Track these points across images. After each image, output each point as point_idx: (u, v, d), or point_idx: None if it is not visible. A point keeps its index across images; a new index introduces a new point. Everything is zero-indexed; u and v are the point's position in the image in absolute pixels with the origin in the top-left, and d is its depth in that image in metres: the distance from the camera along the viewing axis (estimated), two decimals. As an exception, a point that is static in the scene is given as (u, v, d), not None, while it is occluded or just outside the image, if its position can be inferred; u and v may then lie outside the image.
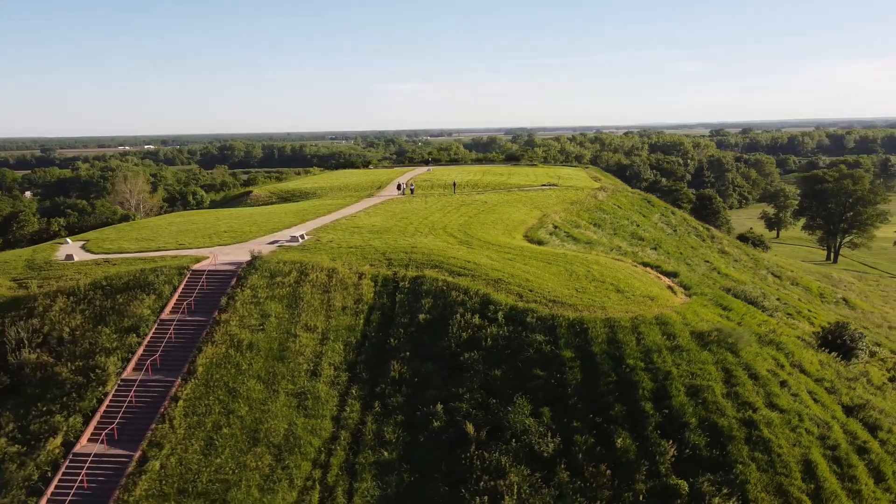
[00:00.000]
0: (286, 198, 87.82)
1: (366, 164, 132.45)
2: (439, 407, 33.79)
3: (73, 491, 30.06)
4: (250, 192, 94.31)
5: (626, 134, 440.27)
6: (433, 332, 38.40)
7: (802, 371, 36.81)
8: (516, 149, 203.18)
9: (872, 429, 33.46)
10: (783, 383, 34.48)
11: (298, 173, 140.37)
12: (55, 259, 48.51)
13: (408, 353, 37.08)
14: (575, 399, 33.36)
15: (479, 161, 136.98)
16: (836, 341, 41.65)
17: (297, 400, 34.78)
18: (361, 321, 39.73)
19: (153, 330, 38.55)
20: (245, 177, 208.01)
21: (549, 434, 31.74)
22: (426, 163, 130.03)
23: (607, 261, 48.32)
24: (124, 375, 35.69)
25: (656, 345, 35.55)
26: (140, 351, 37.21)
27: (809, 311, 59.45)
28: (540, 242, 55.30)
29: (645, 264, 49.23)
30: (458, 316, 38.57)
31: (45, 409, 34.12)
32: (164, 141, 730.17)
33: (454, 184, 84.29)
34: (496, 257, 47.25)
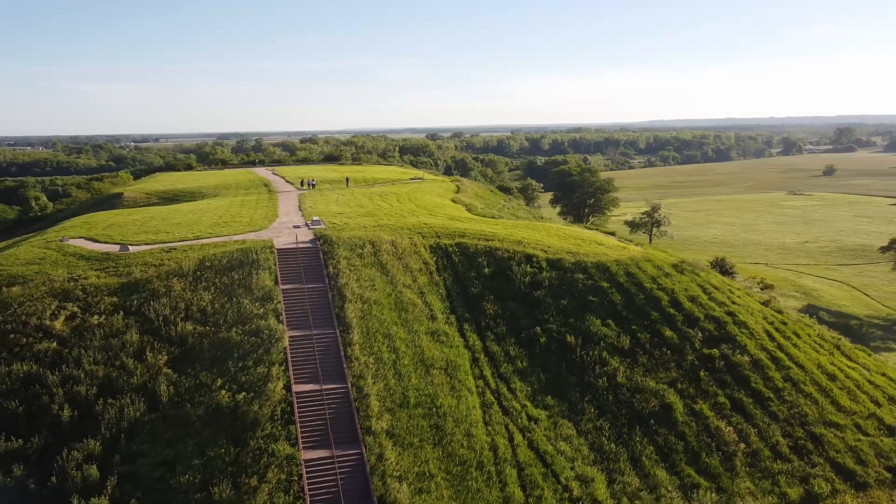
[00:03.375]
0: (171, 198, 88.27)
1: (188, 167, 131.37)
2: (538, 329, 46.27)
3: (318, 417, 36.99)
4: (121, 194, 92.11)
5: (371, 137, 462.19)
6: (499, 280, 50.30)
7: (725, 283, 55.95)
8: (332, 149, 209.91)
9: (780, 311, 53.45)
10: (731, 290, 53.12)
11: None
12: (111, 252, 49.88)
13: (491, 297, 48.63)
14: (624, 312, 48.23)
15: (303, 161, 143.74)
16: (723, 268, 62.02)
17: (433, 337, 44.54)
18: (440, 278, 50.05)
19: (283, 297, 44.77)
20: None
21: (620, 335, 46.19)
22: (253, 164, 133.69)
23: (563, 225, 63.83)
24: (289, 333, 42.07)
25: (656, 273, 51.93)
26: (285, 313, 43.49)
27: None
28: (491, 217, 68.82)
29: (587, 228, 65.66)
30: (514, 266, 50.98)
31: (240, 365, 39.36)
32: None
33: (347, 179, 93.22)
34: (493, 226, 59.95)
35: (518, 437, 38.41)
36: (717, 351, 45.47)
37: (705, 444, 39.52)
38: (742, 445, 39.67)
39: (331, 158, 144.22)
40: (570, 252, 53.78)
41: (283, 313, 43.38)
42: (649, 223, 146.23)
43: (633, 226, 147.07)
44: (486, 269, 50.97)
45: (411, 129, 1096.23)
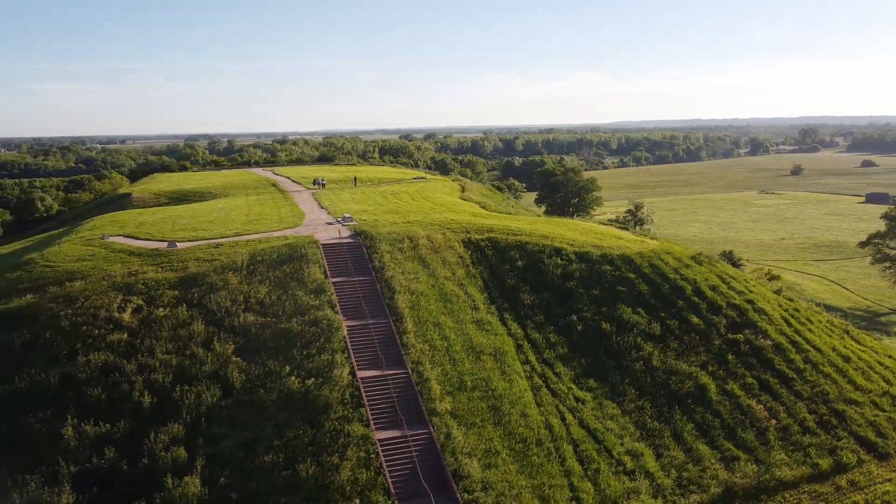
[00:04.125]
0: (180, 198, 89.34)
1: (183, 168, 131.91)
2: (574, 317, 49.03)
3: (384, 400, 39.21)
4: (129, 194, 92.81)
5: (350, 138, 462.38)
6: (532, 272, 52.96)
7: (739, 273, 59.33)
8: (325, 150, 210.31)
9: (791, 299, 56.95)
10: (746, 280, 56.48)
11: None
12: (160, 248, 51.36)
13: (527, 288, 51.27)
14: (652, 301, 51.23)
15: (297, 162, 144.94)
16: (732, 261, 65.42)
17: (478, 325, 47.01)
18: (475, 270, 52.53)
19: (335, 289, 46.84)
20: None
21: (651, 322, 49.16)
22: (248, 164, 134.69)
23: (579, 221, 66.76)
24: (346, 323, 44.18)
25: (677, 264, 55.07)
26: (339, 304, 45.58)
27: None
28: (507, 214, 71.48)
29: (602, 224, 68.71)
30: (545, 259, 53.69)
31: (305, 353, 41.33)
32: None
33: (354, 179, 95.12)
34: (516, 222, 62.57)
35: (569, 417, 41.07)
36: (741, 336, 48.68)
37: (739, 421, 42.60)
38: (773, 421, 42.83)
39: (324, 159, 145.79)
40: (595, 245, 56.65)
41: (337, 304, 45.44)
42: (632, 221, 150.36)
43: (617, 224, 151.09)
44: (519, 262, 53.60)
45: (382, 130, 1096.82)
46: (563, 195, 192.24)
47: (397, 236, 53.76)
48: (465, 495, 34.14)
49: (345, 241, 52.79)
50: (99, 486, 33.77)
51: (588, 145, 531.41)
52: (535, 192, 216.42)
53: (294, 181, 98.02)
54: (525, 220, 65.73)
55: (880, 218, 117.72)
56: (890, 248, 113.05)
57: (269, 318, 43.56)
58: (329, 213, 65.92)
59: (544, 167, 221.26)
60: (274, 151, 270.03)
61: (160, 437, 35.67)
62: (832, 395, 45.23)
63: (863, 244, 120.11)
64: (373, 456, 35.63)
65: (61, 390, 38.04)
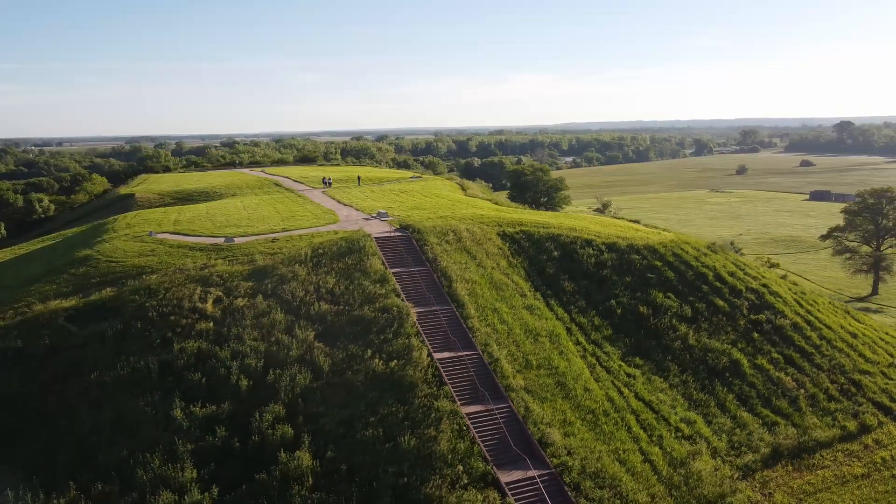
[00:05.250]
0: (185, 198, 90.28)
1: (166, 170, 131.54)
2: (612, 302, 53.06)
3: (462, 378, 42.35)
4: (132, 195, 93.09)
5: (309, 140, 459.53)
6: (567, 262, 56.79)
7: (749, 261, 64.41)
8: (309, 151, 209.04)
9: (795, 283, 62.29)
10: (756, 267, 61.53)
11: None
12: (218, 243, 53.18)
13: (566, 276, 55.07)
14: (679, 286, 55.67)
15: (279, 162, 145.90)
16: (734, 249, 70.54)
17: (529, 311, 50.56)
18: (516, 260, 56.06)
19: (396, 279, 49.68)
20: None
21: (682, 305, 53.58)
22: (233, 165, 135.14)
23: (595, 216, 70.93)
24: (419, 309, 47.12)
25: (696, 253, 59.73)
26: (402, 293, 48.46)
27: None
28: (523, 208, 75.21)
29: (616, 218, 73.06)
30: (578, 249, 57.59)
31: (382, 337, 44.07)
32: None
33: (359, 178, 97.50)
34: (540, 216, 66.33)
35: (625, 391, 45.00)
36: (763, 316, 53.54)
37: (773, 391, 47.28)
38: (801, 391, 47.66)
39: (306, 160, 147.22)
40: (619, 237, 60.88)
41: (402, 293, 48.34)
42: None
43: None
44: (555, 253, 57.36)
45: (330, 132, 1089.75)
46: (533, 194, 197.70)
47: (442, 229, 56.86)
48: (554, 460, 37.60)
49: (394, 234, 55.63)
50: (215, 462, 36.01)
51: (540, 146, 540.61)
52: (503, 192, 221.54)
53: (295, 181, 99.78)
54: (547, 214, 69.58)
55: (840, 213, 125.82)
56: (849, 241, 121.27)
57: (341, 307, 46.18)
58: (357, 210, 68.47)
59: (514, 167, 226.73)
60: (238, 153, 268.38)
61: (265, 417, 38.03)
62: (848, 367, 50.39)
63: (824, 237, 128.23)
64: (464, 428, 38.71)
65: (162, 375, 39.99)
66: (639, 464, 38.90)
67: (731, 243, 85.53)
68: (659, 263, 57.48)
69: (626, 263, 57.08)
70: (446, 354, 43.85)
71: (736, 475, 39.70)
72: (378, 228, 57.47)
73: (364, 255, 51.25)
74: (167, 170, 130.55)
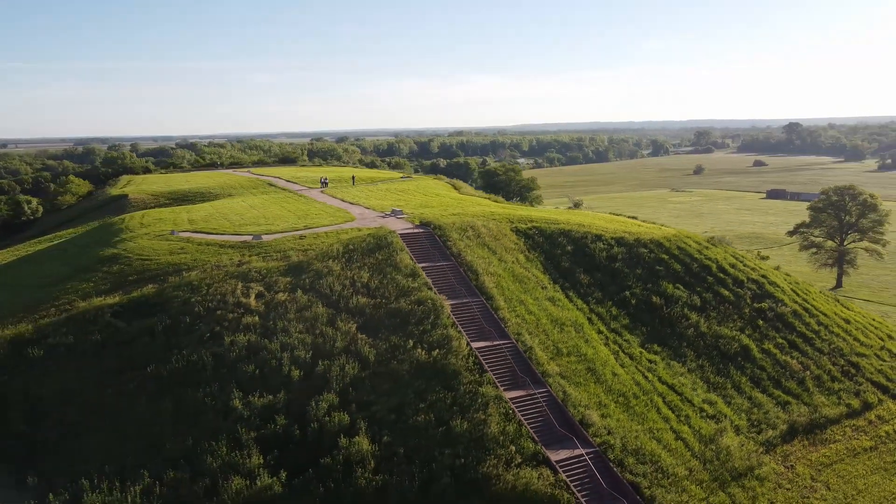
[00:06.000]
0: (180, 199, 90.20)
1: (146, 171, 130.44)
2: (627, 293, 55.85)
3: (500, 366, 44.48)
4: (126, 195, 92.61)
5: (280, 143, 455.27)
6: (580, 255, 59.39)
7: (744, 254, 68.05)
8: (289, 151, 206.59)
9: (788, 274, 66.07)
10: (752, 259, 65.12)
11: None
12: (247, 241, 54.21)
13: (581, 269, 57.65)
14: (686, 277, 58.79)
15: (259, 163, 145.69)
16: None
17: (552, 302, 52.96)
18: (532, 255, 58.42)
19: (425, 273, 51.52)
20: None
21: (691, 295, 56.68)
22: (214, 166, 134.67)
23: (592, 213, 73.88)
24: (451, 301, 49.03)
25: (698, 246, 63.00)
26: (434, 286, 50.31)
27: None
28: (526, 206, 77.64)
29: (613, 214, 76.17)
30: (590, 244, 60.25)
31: (420, 329, 45.88)
32: None
33: (353, 178, 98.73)
34: (547, 213, 68.85)
35: (649, 375, 47.73)
36: (765, 304, 57.02)
37: (781, 373, 50.60)
38: (807, 373, 51.10)
39: (286, 161, 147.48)
40: (626, 231, 63.81)
41: (433, 286, 50.23)
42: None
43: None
44: (568, 247, 59.92)
45: (287, 133, 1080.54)
46: (506, 194, 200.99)
47: (461, 226, 58.90)
48: (596, 439, 40.01)
49: (417, 230, 57.45)
50: (278, 449, 37.44)
51: (501, 147, 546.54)
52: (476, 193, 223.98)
53: (287, 181, 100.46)
54: (554, 211, 72.19)
55: (807, 209, 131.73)
56: (815, 237, 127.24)
57: (378, 300, 47.86)
58: (367, 208, 69.99)
59: (489, 167, 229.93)
60: (203, 154, 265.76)
61: (320, 405, 39.56)
62: (846, 350, 54.11)
63: (791, 233, 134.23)
64: (510, 412, 40.83)
65: (216, 368, 41.15)
66: (672, 441, 41.58)
67: (722, 238, 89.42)
68: (666, 256, 60.53)
69: (635, 257, 59.95)
70: (482, 344, 45.90)
71: (759, 450, 42.69)
72: (398, 225, 59.18)
73: (392, 250, 52.94)
74: (147, 171, 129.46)
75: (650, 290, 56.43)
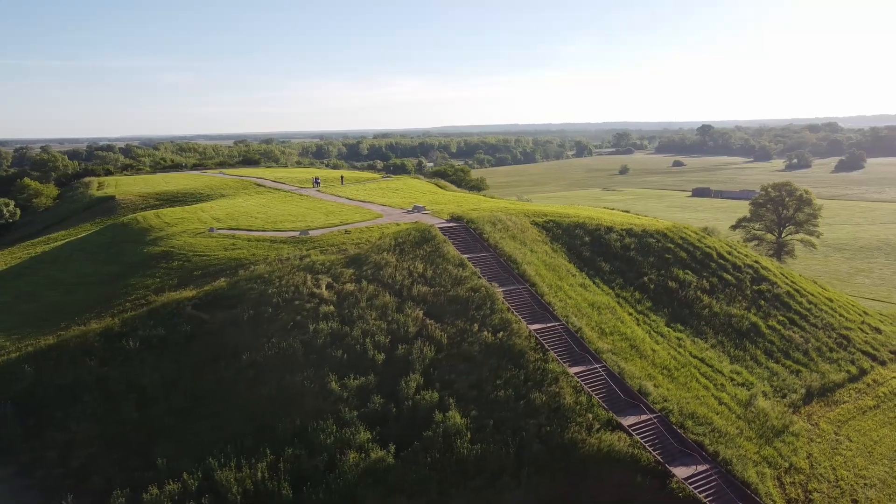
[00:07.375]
0: (170, 200, 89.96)
1: (107, 173, 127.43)
2: (645, 279, 60.99)
3: (558, 345, 48.51)
4: (113, 197, 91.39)
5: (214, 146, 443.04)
6: (597, 246, 64.16)
7: (735, 242, 74.56)
8: (250, 154, 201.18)
9: (767, 253, 73.03)
10: (743, 246, 71.67)
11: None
12: (295, 236, 56.03)
13: (600, 258, 62.41)
14: (692, 263, 64.50)
15: (222, 165, 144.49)
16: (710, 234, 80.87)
17: (583, 287, 57.42)
18: (555, 246, 62.75)
19: (471, 263, 54.90)
20: None
21: (701, 279, 62.38)
22: (178, 168, 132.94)
23: (586, 207, 78.95)
24: (501, 288, 52.63)
25: (697, 236, 68.93)
26: (481, 275, 53.81)
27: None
28: (525, 201, 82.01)
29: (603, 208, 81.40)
30: (605, 235, 65.11)
31: (481, 314, 49.29)
32: None
33: (342, 178, 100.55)
34: (558, 207, 73.32)
35: (681, 350, 52.83)
36: (763, 286, 63.35)
37: (788, 346, 56.78)
38: (809, 345, 57.50)
39: (248, 162, 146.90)
40: (632, 223, 69.11)
41: (481, 275, 53.79)
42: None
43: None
44: (586, 238, 64.60)
45: (206, 135, 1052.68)
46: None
47: (490, 219, 62.63)
48: (656, 405, 44.62)
49: (452, 224, 60.79)
50: (379, 425, 40.26)
51: (431, 148, 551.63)
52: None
53: (273, 181, 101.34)
54: (560, 206, 76.77)
55: (749, 204, 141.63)
56: (756, 230, 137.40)
57: (437, 288, 51.03)
58: (382, 206, 72.65)
59: (435, 168, 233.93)
60: (137, 157, 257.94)
61: (409, 385, 42.56)
62: (836, 325, 60.97)
63: (734, 227, 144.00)
64: (577, 385, 44.91)
65: (306, 354, 43.46)
66: (717, 406, 46.66)
67: (713, 229, 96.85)
68: (672, 245, 66.12)
69: (645, 246, 65.24)
70: (538, 326, 49.81)
71: (788, 411, 48.38)
72: (432, 220, 62.35)
73: (437, 243, 56.16)
74: (108, 173, 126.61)
75: (664, 275, 61.74)
